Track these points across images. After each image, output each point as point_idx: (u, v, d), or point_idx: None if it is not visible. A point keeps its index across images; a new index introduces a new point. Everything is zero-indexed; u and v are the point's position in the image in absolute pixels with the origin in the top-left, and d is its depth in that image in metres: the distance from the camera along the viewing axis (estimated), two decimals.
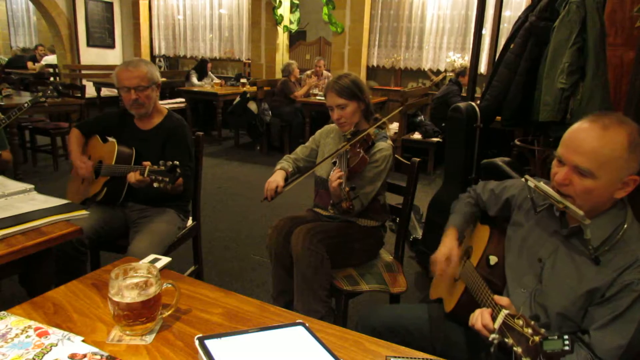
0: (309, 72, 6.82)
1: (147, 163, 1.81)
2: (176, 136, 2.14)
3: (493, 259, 1.36)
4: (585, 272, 1.11)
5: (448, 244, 1.45)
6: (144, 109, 2.10)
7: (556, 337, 0.81)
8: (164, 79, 7.83)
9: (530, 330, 0.84)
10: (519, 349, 0.85)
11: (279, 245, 1.93)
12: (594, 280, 1.09)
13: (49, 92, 2.94)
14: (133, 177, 1.84)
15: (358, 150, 1.82)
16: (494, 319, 0.99)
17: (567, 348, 0.79)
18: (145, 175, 1.78)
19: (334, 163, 1.83)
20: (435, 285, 1.70)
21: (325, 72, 6.84)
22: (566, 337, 0.80)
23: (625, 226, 1.10)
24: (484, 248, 1.40)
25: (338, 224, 1.98)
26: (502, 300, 1.07)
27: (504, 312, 0.93)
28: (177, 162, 1.75)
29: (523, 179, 1.22)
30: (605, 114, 1.11)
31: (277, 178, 2.00)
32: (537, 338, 0.82)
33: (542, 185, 1.14)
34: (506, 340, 0.89)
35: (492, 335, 0.93)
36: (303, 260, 1.79)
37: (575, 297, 1.11)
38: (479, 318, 1.07)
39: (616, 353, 1.03)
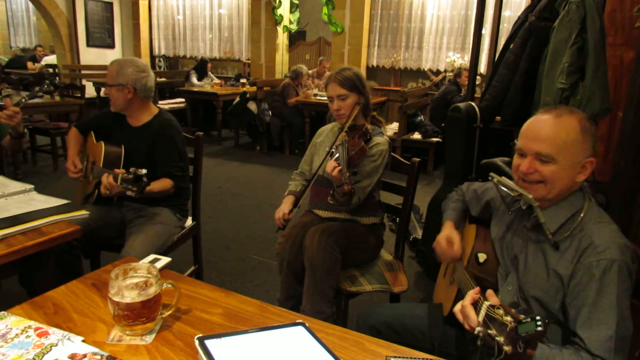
0: (310, 71, 6.82)
1: (120, 170, 1.76)
2: (164, 135, 2.13)
3: (482, 257, 1.37)
4: (550, 259, 1.16)
5: (447, 231, 1.50)
6: (112, 106, 2.13)
7: (529, 319, 0.80)
8: (163, 79, 7.93)
9: (509, 318, 0.84)
10: (501, 339, 0.84)
11: (291, 254, 1.91)
12: (558, 265, 1.13)
13: (45, 86, 2.94)
14: (105, 180, 1.77)
15: (358, 140, 1.81)
16: (478, 311, 0.99)
17: (540, 329, 0.79)
18: (119, 182, 1.74)
19: (331, 154, 1.81)
20: (436, 290, 1.71)
21: (327, 73, 6.85)
22: (538, 317, 0.80)
23: (583, 212, 1.15)
24: (472, 246, 1.41)
25: (344, 224, 1.97)
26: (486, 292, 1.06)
27: (486, 304, 0.94)
28: (144, 171, 1.71)
29: (489, 178, 1.27)
30: (555, 106, 1.20)
31: (282, 207, 2.05)
32: (513, 324, 0.82)
33: (503, 179, 1.22)
34: (489, 331, 0.88)
35: (477, 329, 0.93)
36: (317, 260, 1.78)
37: (547, 286, 1.15)
38: (462, 313, 1.05)
39: (609, 345, 1.03)
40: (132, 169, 1.73)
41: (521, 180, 1.18)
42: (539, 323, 0.79)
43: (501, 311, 0.88)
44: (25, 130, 2.25)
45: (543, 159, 1.13)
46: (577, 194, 1.18)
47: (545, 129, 1.14)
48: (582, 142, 1.12)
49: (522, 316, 0.83)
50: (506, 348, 0.82)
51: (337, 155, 1.74)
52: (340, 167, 1.66)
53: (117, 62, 2.12)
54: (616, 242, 1.08)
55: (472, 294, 1.05)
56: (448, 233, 1.48)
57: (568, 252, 1.13)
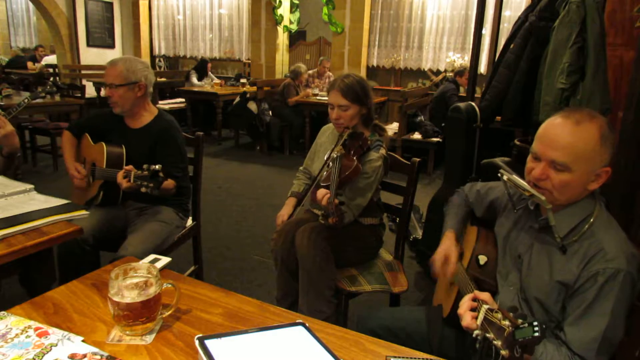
0: (311, 71, 6.82)
1: (130, 167, 1.77)
2: (166, 137, 2.12)
3: (482, 259, 1.36)
4: (556, 263, 1.14)
5: (446, 245, 1.47)
6: (118, 108, 2.07)
7: (527, 324, 0.81)
8: (163, 79, 7.93)
9: (507, 322, 0.85)
10: (498, 343, 0.85)
11: (284, 250, 1.91)
12: (563, 270, 1.12)
13: (48, 87, 2.95)
14: (124, 183, 1.81)
15: (353, 158, 1.78)
16: (477, 314, 1.00)
17: (537, 334, 0.80)
18: (132, 180, 1.75)
19: (328, 165, 1.81)
20: (437, 291, 1.70)
21: (327, 73, 6.84)
22: (536, 323, 0.81)
23: (593, 217, 1.13)
24: (473, 248, 1.41)
25: None
26: (482, 295, 1.07)
27: (485, 307, 0.94)
28: (159, 167, 1.71)
29: (499, 174, 1.25)
30: (576, 109, 1.16)
31: (283, 211, 2.10)
32: (510, 328, 0.83)
33: (514, 177, 1.19)
34: (487, 335, 0.89)
35: (476, 332, 0.94)
36: (308, 259, 1.78)
37: (549, 289, 1.14)
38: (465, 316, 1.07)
39: (591, 347, 1.04)
40: (145, 166, 1.73)
41: (532, 184, 1.16)
42: (536, 329, 0.80)
43: (499, 315, 0.88)
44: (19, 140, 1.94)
45: (557, 167, 1.10)
46: (588, 198, 1.15)
47: (562, 136, 1.10)
48: (600, 153, 1.09)
49: (519, 321, 0.84)
50: (503, 352, 0.83)
51: (330, 171, 1.73)
52: (329, 196, 1.62)
53: (122, 60, 2.06)
54: (625, 251, 1.08)
55: (468, 298, 1.06)
56: (446, 249, 1.45)
57: (575, 257, 1.11)
